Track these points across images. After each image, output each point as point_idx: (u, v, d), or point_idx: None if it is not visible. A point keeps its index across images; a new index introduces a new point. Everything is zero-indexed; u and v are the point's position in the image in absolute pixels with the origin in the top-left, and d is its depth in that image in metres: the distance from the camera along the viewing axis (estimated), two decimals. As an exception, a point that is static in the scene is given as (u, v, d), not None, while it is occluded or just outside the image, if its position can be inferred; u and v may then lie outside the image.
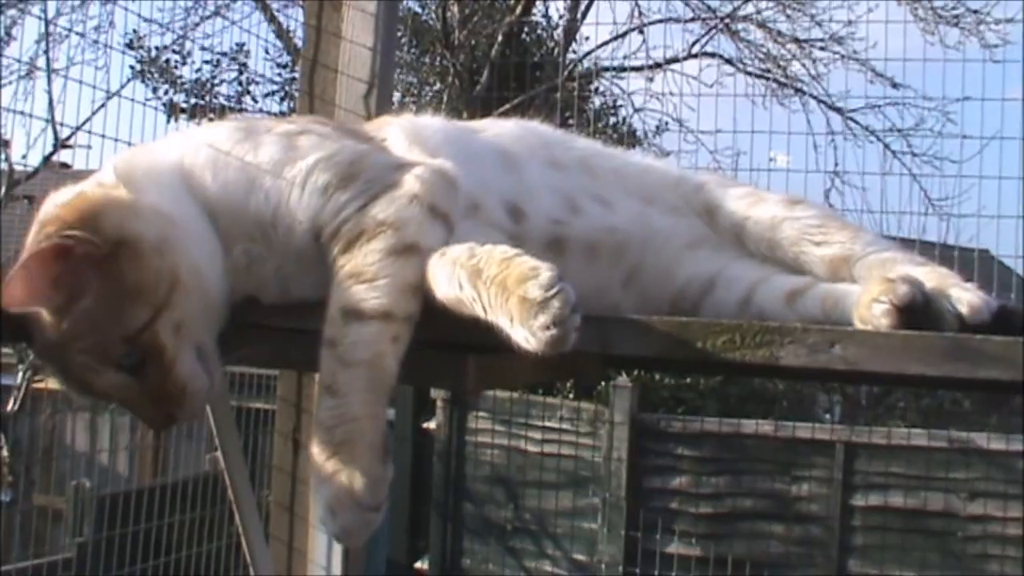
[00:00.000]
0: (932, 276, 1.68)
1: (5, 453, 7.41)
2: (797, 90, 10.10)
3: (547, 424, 8.39)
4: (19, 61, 7.95)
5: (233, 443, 2.52)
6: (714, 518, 7.87)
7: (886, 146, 9.10)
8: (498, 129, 2.09)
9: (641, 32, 9.29)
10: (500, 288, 1.43)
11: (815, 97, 9.98)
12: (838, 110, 9.61)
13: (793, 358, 1.44)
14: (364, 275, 1.56)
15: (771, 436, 7.82)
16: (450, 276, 1.51)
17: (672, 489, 7.99)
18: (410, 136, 1.89)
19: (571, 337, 1.40)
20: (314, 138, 1.75)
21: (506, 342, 1.46)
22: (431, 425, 8.91)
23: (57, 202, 1.66)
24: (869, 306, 1.58)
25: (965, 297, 1.60)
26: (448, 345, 1.64)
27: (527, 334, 1.40)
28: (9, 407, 7.52)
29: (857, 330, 1.51)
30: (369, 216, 1.62)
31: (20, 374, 7.54)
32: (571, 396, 9.00)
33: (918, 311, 1.55)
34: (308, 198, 1.66)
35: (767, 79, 10.22)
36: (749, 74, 10.21)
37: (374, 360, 1.50)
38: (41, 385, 7.98)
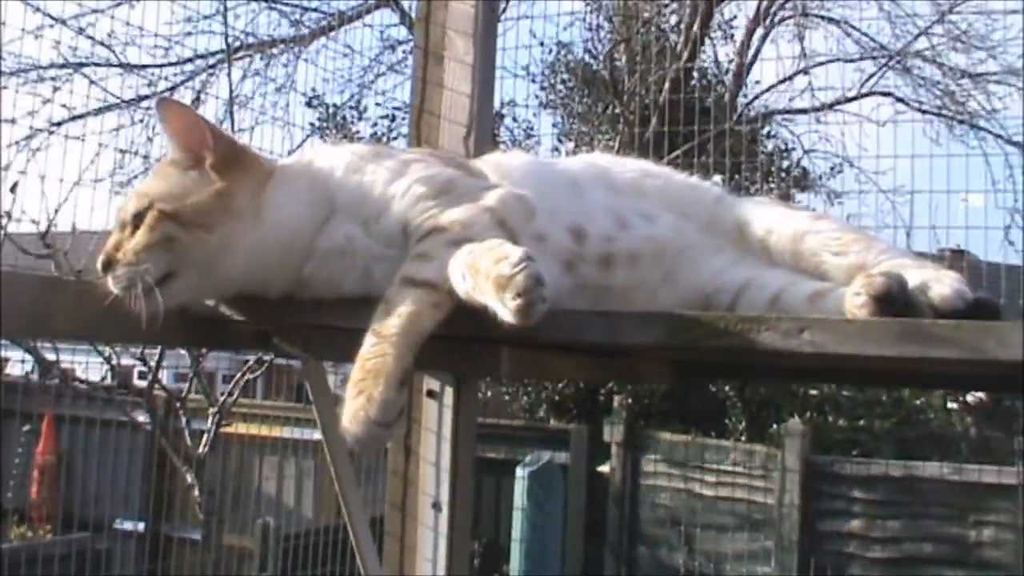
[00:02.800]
0: (924, 274, 1.78)
1: (197, 493, 7.80)
2: (973, 126, 9.90)
3: (719, 467, 8.40)
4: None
5: (350, 477, 2.83)
6: (890, 562, 7.72)
7: (1068, 182, 8.79)
8: (569, 162, 2.45)
9: (806, 73, 9.30)
10: (485, 273, 1.67)
11: (992, 132, 9.76)
12: (1017, 144, 9.37)
13: (768, 342, 1.58)
14: (425, 255, 1.85)
15: (949, 480, 7.63)
16: (458, 270, 1.77)
17: (846, 533, 7.88)
18: (498, 170, 2.20)
19: (537, 306, 1.61)
20: (423, 164, 2.11)
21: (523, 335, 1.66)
22: (605, 468, 9.02)
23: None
24: (851, 299, 1.73)
25: (938, 288, 1.71)
26: (487, 339, 1.85)
27: (501, 307, 1.63)
28: (200, 449, 7.91)
29: (823, 318, 1.63)
30: (445, 215, 1.92)
31: (210, 418, 7.93)
32: (743, 439, 8.96)
33: (895, 302, 1.67)
34: (405, 201, 1.99)
35: (941, 116, 10.06)
36: (922, 111, 10.07)
37: (413, 315, 1.77)
38: (230, 429, 8.45)
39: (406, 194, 1.99)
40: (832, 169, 10.40)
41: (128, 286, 1.92)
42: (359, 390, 1.72)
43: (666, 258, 2.16)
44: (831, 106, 9.75)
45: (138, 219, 1.97)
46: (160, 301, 1.92)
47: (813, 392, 9.21)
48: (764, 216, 2.17)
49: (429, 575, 2.90)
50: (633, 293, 2.09)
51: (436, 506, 2.89)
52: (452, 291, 1.78)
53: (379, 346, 1.75)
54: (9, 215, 6.13)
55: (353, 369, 1.76)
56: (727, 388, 9.40)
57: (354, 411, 1.71)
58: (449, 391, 2.88)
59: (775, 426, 8.84)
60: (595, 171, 2.32)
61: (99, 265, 1.96)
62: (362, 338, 1.86)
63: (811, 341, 1.56)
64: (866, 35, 10.77)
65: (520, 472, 8.39)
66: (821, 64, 10.12)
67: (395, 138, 11.36)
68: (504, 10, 9.77)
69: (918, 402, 9.37)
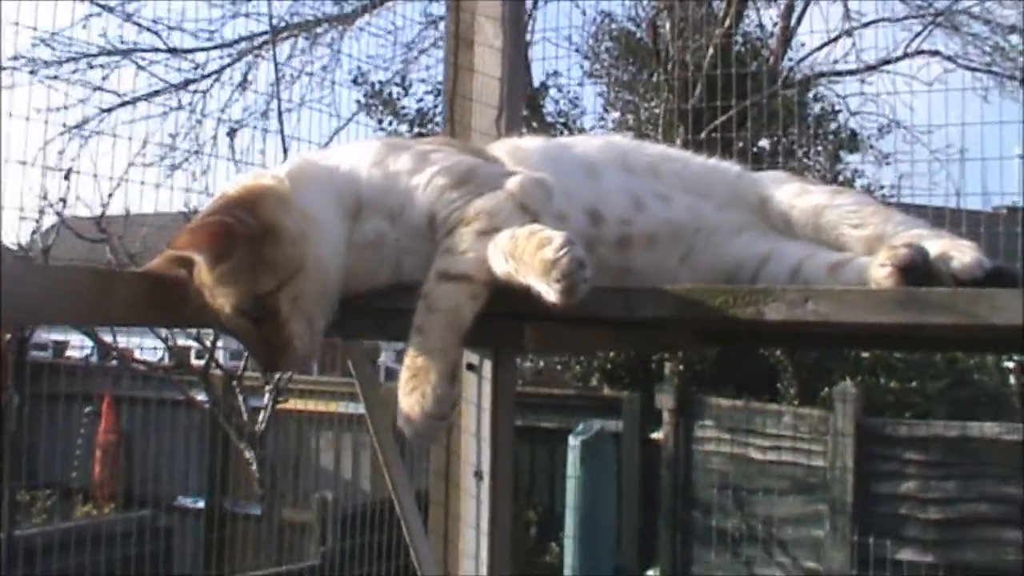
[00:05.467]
0: (943, 244, 1.84)
1: (255, 469, 7.94)
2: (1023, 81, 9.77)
3: (772, 431, 8.41)
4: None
5: (394, 453, 2.98)
6: (945, 524, 7.67)
7: (1124, 136, 8.68)
8: (586, 144, 2.47)
9: (850, 35, 9.23)
10: (529, 256, 1.75)
11: (1041, 87, 9.63)
12: (1070, 98, 9.26)
13: (775, 313, 1.68)
14: (457, 249, 1.92)
15: (1004, 439, 7.58)
16: (499, 255, 1.85)
17: (900, 494, 7.85)
18: (514, 156, 2.28)
19: (580, 287, 1.69)
20: (441, 154, 2.17)
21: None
22: (658, 435, 9.07)
23: (237, 182, 2.15)
24: (877, 269, 1.80)
25: (959, 257, 1.77)
26: (514, 315, 1.94)
27: (546, 287, 1.71)
28: (258, 426, 8.04)
29: (826, 288, 1.74)
30: (471, 207, 1.99)
31: (267, 395, 8.06)
32: (795, 403, 8.97)
33: (919, 271, 1.74)
34: (429, 194, 2.06)
35: (991, 72, 9.95)
36: (971, 69, 9.99)
37: (453, 309, 1.86)
38: (287, 406, 8.59)
39: (428, 185, 2.06)
40: (880, 130, 10.35)
41: (292, 363, 2.08)
42: (412, 387, 1.81)
43: (683, 238, 2.24)
44: (877, 67, 9.69)
45: (251, 312, 1.99)
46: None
47: (864, 355, 9.20)
48: (785, 192, 2.24)
49: (472, 540, 3.03)
50: (652, 273, 2.17)
51: (478, 475, 3.03)
52: (488, 280, 1.87)
53: (425, 343, 1.84)
54: (64, 201, 6.29)
55: (403, 366, 1.85)
56: (778, 352, 9.41)
57: (410, 406, 1.80)
58: (488, 364, 2.99)
59: (826, 389, 8.83)
60: (612, 153, 2.38)
61: (263, 370, 2.07)
62: (395, 317, 1.95)
63: (815, 311, 1.64)
64: (912, -9, 10.66)
65: (572, 441, 8.46)
66: (866, 25, 10.05)
67: (441, 113, 11.38)
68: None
69: (971, 362, 9.32)
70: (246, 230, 1.97)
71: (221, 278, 2.00)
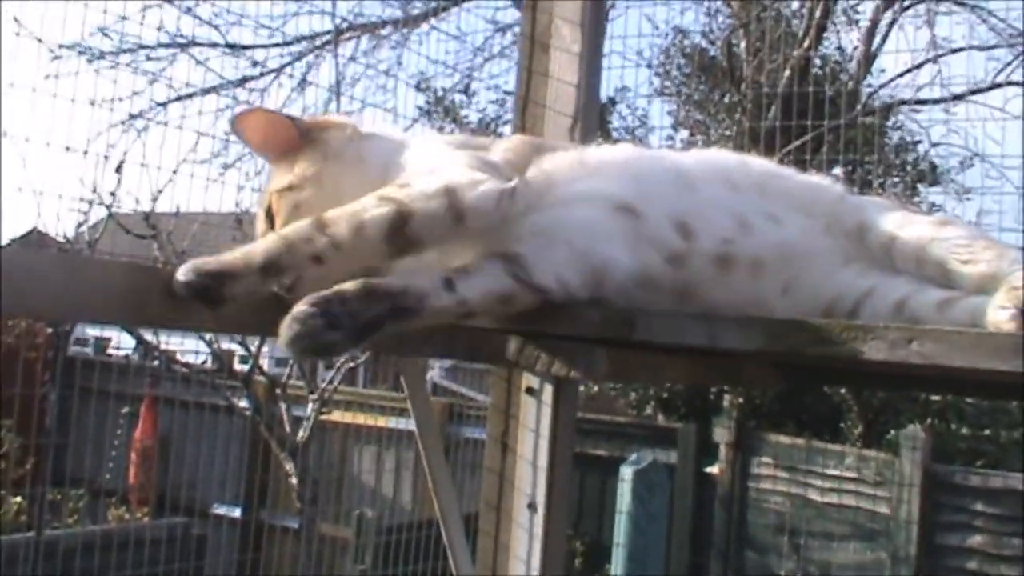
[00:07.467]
0: None
1: (294, 481, 7.74)
2: (1116, 119, 9.36)
3: (833, 472, 8.18)
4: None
5: (445, 474, 2.94)
6: (1016, 582, 7.34)
7: None
8: (682, 154, 2.33)
9: (935, 62, 8.87)
10: None
11: None
12: None
13: (875, 353, 1.52)
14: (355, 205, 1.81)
15: (1083, 496, 7.25)
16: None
17: (968, 548, 7.57)
18: (590, 159, 2.11)
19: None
20: (465, 153, 2.05)
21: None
22: (713, 470, 8.81)
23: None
24: (996, 312, 1.65)
25: None
26: (583, 339, 1.81)
27: None
28: (299, 436, 7.84)
29: (933, 328, 1.59)
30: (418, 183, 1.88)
31: (309, 405, 7.86)
32: (859, 444, 8.64)
33: None
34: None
35: (1081, 108, 9.56)
36: (1061, 104, 9.60)
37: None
38: (330, 417, 8.36)
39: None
40: (962, 163, 9.98)
41: None
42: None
43: (791, 267, 2.05)
44: (963, 96, 9.31)
45: (271, 215, 2.03)
46: None
47: (935, 397, 8.86)
48: (887, 220, 2.04)
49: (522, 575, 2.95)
50: (749, 298, 1.98)
51: (532, 507, 2.94)
52: (336, 237, 1.77)
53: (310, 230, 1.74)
54: (114, 196, 6.12)
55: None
56: (843, 390, 9.09)
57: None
58: (548, 388, 2.91)
59: (893, 432, 8.52)
60: (712, 166, 2.20)
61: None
62: (457, 333, 1.88)
63: (920, 352, 1.50)
64: (1002, 21, 10.31)
65: (625, 471, 8.23)
66: (952, 52, 9.68)
67: (505, 124, 11.25)
68: (618, -6, 9.55)
69: (1049, 411, 8.97)
70: (296, 135, 2.06)
71: (271, 174, 2.13)
